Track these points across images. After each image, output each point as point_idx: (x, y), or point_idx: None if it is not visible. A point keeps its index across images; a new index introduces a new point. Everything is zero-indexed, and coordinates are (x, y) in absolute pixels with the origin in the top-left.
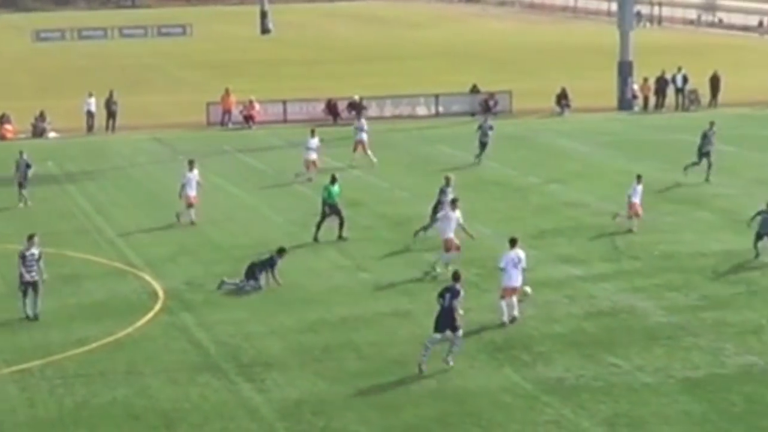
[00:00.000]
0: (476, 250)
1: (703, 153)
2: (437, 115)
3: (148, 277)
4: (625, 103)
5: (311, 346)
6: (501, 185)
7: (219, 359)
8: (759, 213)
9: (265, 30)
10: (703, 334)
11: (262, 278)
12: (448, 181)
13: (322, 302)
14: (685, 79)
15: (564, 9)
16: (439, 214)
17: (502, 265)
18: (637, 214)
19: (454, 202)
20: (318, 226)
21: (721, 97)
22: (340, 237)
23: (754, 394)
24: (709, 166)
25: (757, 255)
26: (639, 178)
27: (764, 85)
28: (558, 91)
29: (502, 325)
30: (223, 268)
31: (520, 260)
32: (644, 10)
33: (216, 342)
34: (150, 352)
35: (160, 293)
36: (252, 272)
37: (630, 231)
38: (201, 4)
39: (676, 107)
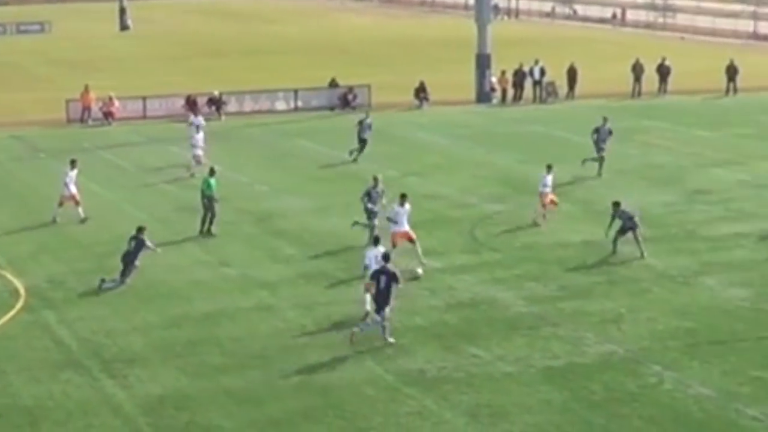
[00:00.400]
0: (339, 244)
1: (599, 148)
2: (296, 109)
3: (9, 276)
4: (483, 95)
5: (174, 341)
6: (360, 179)
7: (81, 356)
8: (613, 216)
9: (124, 26)
10: (563, 323)
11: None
12: (376, 181)
13: (184, 298)
14: (542, 72)
15: (422, 3)
16: (389, 213)
17: (366, 262)
18: (552, 203)
19: (403, 197)
20: (203, 221)
21: (578, 89)
22: (200, 232)
23: (614, 382)
24: (601, 160)
25: (614, 252)
26: (549, 168)
27: (619, 77)
28: (416, 84)
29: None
30: (85, 265)
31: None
32: (501, 3)
33: (78, 339)
34: (12, 351)
35: (22, 291)
36: (126, 266)
37: (536, 223)
38: (60, 1)
39: (534, 99)
